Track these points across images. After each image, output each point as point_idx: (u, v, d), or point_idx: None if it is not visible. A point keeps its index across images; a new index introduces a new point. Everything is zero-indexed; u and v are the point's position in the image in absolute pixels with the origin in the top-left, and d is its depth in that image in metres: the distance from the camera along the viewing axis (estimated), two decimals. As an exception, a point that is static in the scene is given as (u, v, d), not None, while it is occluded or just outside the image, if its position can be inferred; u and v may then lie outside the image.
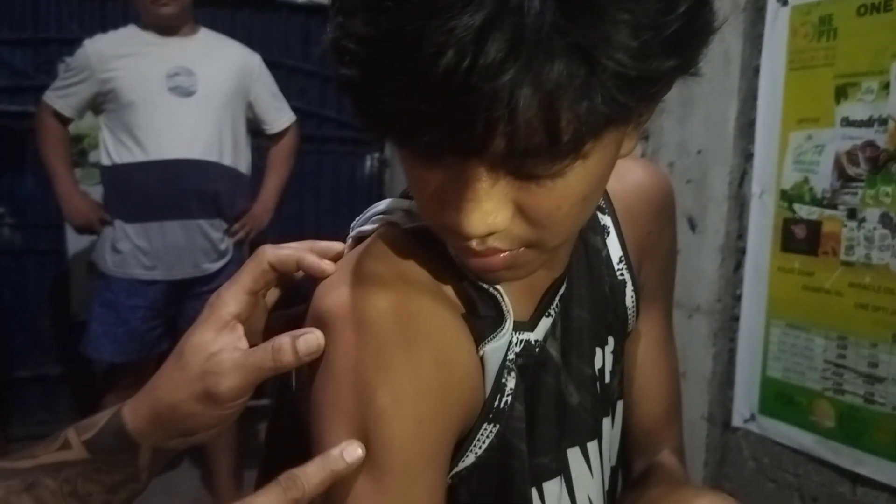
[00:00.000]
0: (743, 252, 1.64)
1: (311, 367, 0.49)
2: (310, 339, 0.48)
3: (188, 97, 2.00)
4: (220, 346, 0.51)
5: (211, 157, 2.04)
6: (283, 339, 0.49)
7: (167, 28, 2.02)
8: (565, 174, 0.41)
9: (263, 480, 0.63)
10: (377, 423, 0.44)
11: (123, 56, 1.98)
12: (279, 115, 2.27)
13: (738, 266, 1.66)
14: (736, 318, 1.66)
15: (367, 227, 0.56)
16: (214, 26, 2.72)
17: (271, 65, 2.95)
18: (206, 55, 2.06)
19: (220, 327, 0.52)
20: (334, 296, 0.48)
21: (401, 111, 0.37)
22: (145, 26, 2.03)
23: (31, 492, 0.51)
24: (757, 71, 1.58)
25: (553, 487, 0.57)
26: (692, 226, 1.72)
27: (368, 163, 3.29)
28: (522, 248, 0.46)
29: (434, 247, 0.53)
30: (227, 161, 2.09)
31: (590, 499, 0.60)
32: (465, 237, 0.43)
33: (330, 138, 3.18)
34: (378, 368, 0.45)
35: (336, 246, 0.56)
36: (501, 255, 0.45)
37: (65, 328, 2.77)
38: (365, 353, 0.45)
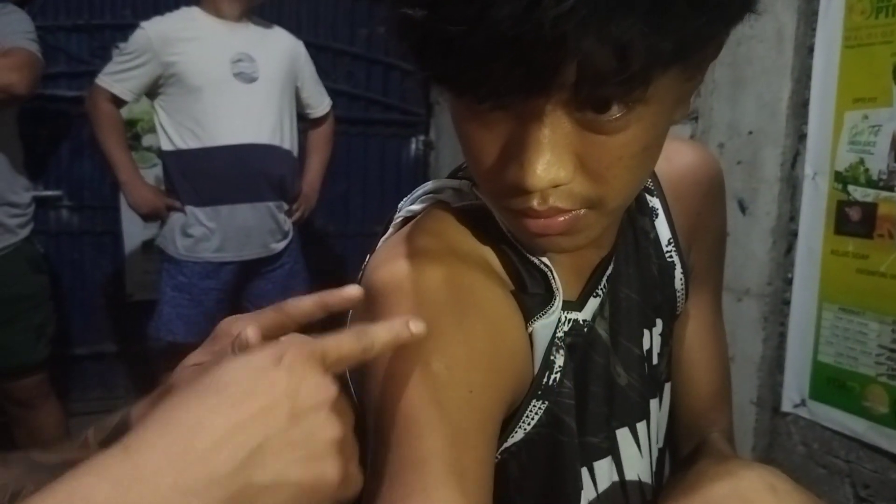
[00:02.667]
0: (795, 235, 1.61)
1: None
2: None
3: (252, 83, 2.03)
4: (196, 363, 0.50)
5: (275, 141, 2.08)
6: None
7: (235, 13, 2.04)
8: (629, 121, 0.41)
9: None
10: (431, 393, 0.45)
11: (188, 40, 1.98)
12: (322, 100, 2.33)
13: (790, 249, 1.63)
14: (787, 302, 1.63)
15: (416, 207, 0.57)
16: (263, 11, 2.76)
17: (318, 48, 2.99)
18: (261, 42, 2.09)
19: (212, 355, 0.50)
20: (387, 269, 0.49)
21: (469, 47, 0.37)
22: (208, 11, 2.04)
23: None
24: (811, 49, 1.54)
25: (604, 467, 0.58)
26: (742, 208, 1.69)
27: (414, 145, 3.30)
28: (583, 210, 0.45)
29: (484, 224, 0.54)
30: (286, 145, 2.14)
31: (640, 479, 0.60)
32: (528, 190, 0.43)
33: (376, 121, 3.19)
34: (431, 337, 0.45)
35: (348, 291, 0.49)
36: (561, 217, 0.45)
37: (120, 307, 2.85)
38: (412, 331, 0.46)
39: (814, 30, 1.54)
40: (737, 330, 1.70)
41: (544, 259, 0.54)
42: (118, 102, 1.99)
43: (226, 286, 2.12)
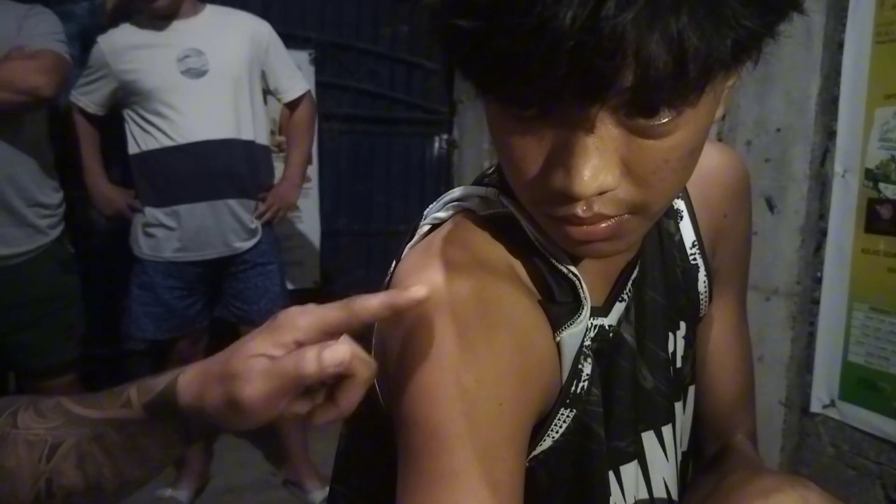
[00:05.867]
0: (824, 233, 1.59)
1: (392, 351, 0.50)
2: (337, 349, 0.45)
3: (201, 77, 2.01)
4: (260, 353, 0.48)
5: (230, 134, 2.05)
6: (311, 349, 0.46)
7: (167, 14, 2.02)
8: (676, 127, 0.41)
9: (343, 466, 0.65)
10: (461, 405, 0.45)
11: (135, 47, 2.00)
12: (292, 84, 2.24)
13: (819, 248, 1.61)
14: (816, 301, 1.61)
15: (442, 214, 0.57)
16: (284, 9, 2.77)
17: (341, 47, 3.00)
18: (212, 33, 2.06)
19: (274, 343, 0.48)
20: (414, 282, 0.49)
21: (523, 59, 0.37)
22: (145, 16, 2.04)
23: (98, 442, 0.55)
24: (841, 45, 1.52)
25: (630, 471, 0.58)
26: (770, 206, 1.67)
27: (437, 144, 3.30)
28: (626, 216, 0.45)
29: (510, 233, 0.54)
30: (246, 136, 2.10)
31: (665, 482, 0.60)
32: (574, 197, 0.42)
33: (399, 120, 3.20)
34: (461, 351, 0.45)
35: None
36: (605, 224, 0.45)
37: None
38: (447, 337, 0.46)
39: (843, 25, 1.52)
40: (765, 329, 1.68)
41: (572, 268, 0.53)
42: (88, 116, 2.08)
43: (190, 285, 2.13)
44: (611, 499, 0.55)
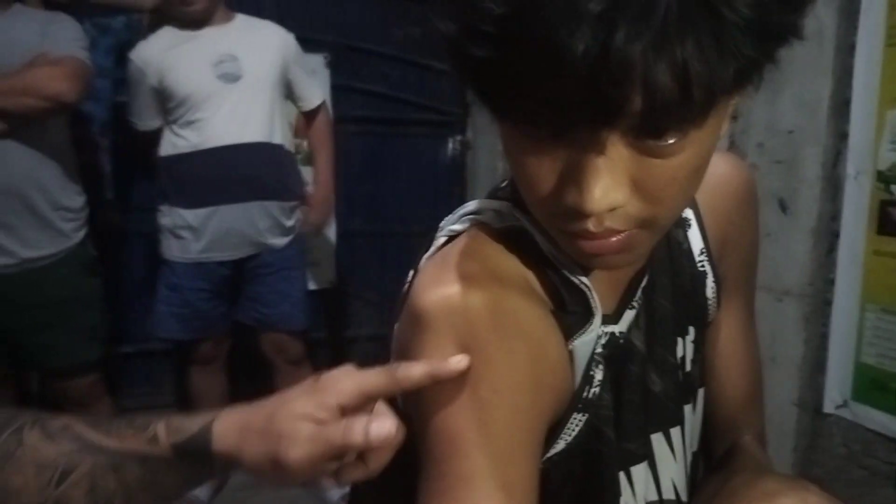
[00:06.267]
0: (836, 235, 1.60)
1: (412, 360, 0.52)
2: (383, 426, 0.49)
3: (235, 82, 2.06)
4: (308, 413, 0.50)
5: (263, 137, 2.10)
6: (357, 423, 0.49)
7: (200, 22, 2.07)
8: (682, 148, 0.43)
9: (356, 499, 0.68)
10: (476, 413, 0.48)
11: (171, 57, 2.05)
12: (312, 93, 2.30)
13: (831, 249, 1.61)
14: (828, 303, 1.62)
15: (458, 227, 0.59)
16: (299, 13, 2.80)
17: (352, 50, 3.03)
18: (246, 39, 2.11)
19: (318, 406, 0.51)
20: (434, 294, 0.52)
21: (537, 86, 0.40)
22: (180, 25, 2.09)
23: (116, 473, 0.56)
24: (852, 48, 1.53)
25: (640, 472, 0.60)
26: (783, 207, 1.68)
27: (450, 145, 3.32)
28: (636, 230, 0.47)
29: (524, 245, 0.56)
30: (276, 140, 2.14)
31: (674, 483, 0.62)
32: (586, 214, 0.44)
33: (412, 121, 3.22)
34: (478, 363, 0.48)
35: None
36: (615, 238, 0.47)
37: (166, 306, 2.95)
38: (463, 349, 0.49)
39: (855, 28, 1.53)
40: (777, 331, 1.69)
41: (583, 279, 0.56)
42: (152, 133, 2.15)
43: (216, 287, 2.17)
44: (621, 499, 0.57)
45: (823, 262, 1.62)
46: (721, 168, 0.67)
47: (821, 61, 1.57)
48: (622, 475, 0.59)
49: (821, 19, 1.56)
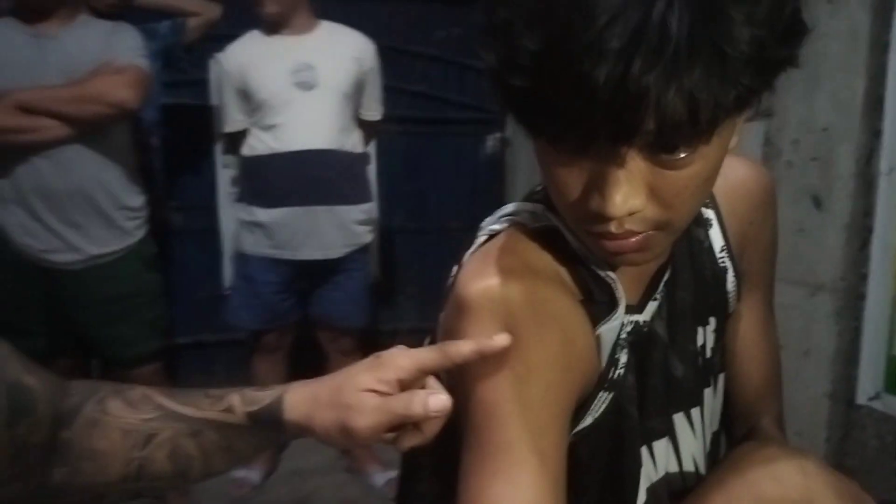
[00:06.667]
0: (870, 230, 1.62)
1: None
2: (440, 398, 0.57)
3: (310, 90, 2.17)
4: (370, 388, 0.58)
5: (333, 145, 2.21)
6: (419, 394, 0.57)
7: (278, 25, 2.18)
8: (693, 161, 0.49)
9: (409, 458, 0.75)
10: (512, 389, 0.54)
11: (252, 61, 2.18)
12: (376, 107, 2.40)
13: (864, 244, 1.64)
14: (861, 297, 1.65)
15: (497, 227, 0.66)
16: (342, 16, 2.88)
17: (394, 51, 3.11)
18: (324, 49, 2.21)
19: (380, 380, 0.59)
20: (477, 285, 0.59)
21: (565, 110, 0.47)
22: (265, 29, 2.21)
23: (195, 438, 0.63)
24: (886, 46, 1.55)
25: (661, 446, 0.66)
26: (817, 204, 1.71)
27: (490, 143, 3.39)
28: (653, 231, 0.54)
29: (556, 243, 0.63)
30: (347, 147, 2.26)
31: (694, 458, 0.68)
32: (608, 218, 0.51)
33: (452, 120, 3.30)
34: (514, 344, 0.55)
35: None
36: (634, 238, 0.53)
37: (218, 299, 3.06)
38: (502, 332, 0.56)
39: (889, 26, 1.55)
40: (811, 324, 1.73)
41: (609, 273, 0.62)
42: (241, 135, 2.27)
43: (284, 281, 2.28)
44: (642, 470, 0.64)
45: (857, 258, 1.65)
46: (741, 173, 0.73)
47: (855, 60, 1.60)
48: (644, 449, 0.65)
49: (854, 18, 1.59)
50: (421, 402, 0.57)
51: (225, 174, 3.01)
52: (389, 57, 3.09)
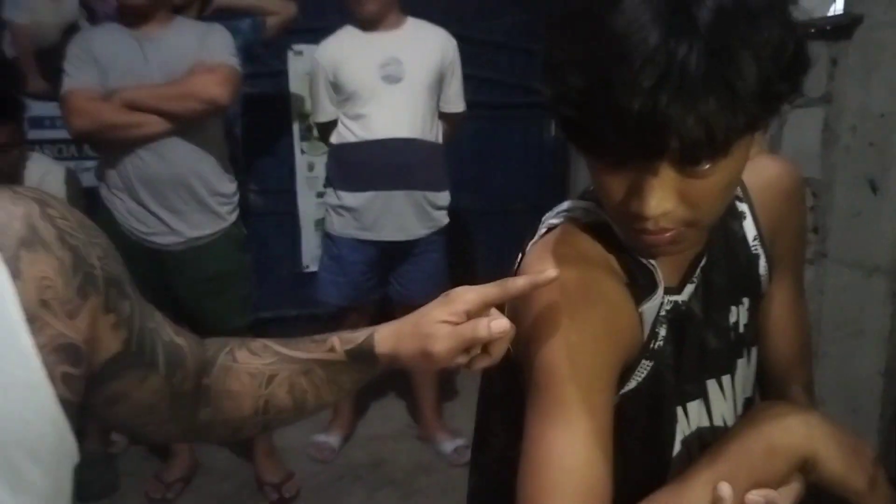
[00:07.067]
0: (925, 214, 1.67)
1: (521, 316, 0.72)
2: (501, 322, 0.68)
3: (397, 83, 2.32)
4: (444, 320, 0.71)
5: (415, 134, 2.36)
6: (483, 320, 0.68)
7: (374, 23, 2.34)
8: (714, 171, 0.61)
9: (485, 402, 0.89)
10: (568, 357, 0.67)
11: (344, 55, 2.35)
12: (457, 101, 2.53)
13: (920, 228, 1.69)
14: (916, 279, 1.69)
15: (555, 221, 0.78)
16: (415, 6, 3.00)
17: (462, 39, 3.20)
18: (410, 44, 2.36)
19: (450, 313, 0.70)
20: (538, 270, 0.71)
21: (606, 134, 0.58)
22: (357, 25, 2.38)
23: (306, 375, 0.76)
24: (943, 34, 1.59)
25: (694, 407, 0.78)
26: (873, 188, 1.76)
27: (554, 127, 3.47)
28: (683, 228, 0.65)
29: (605, 235, 0.74)
30: (429, 137, 2.41)
31: (723, 417, 0.80)
32: (645, 218, 0.62)
33: (517, 104, 3.39)
34: (568, 318, 0.67)
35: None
36: (668, 234, 0.65)
37: (297, 276, 3.28)
38: (559, 308, 0.68)
39: (947, 14, 1.58)
40: (866, 305, 1.78)
41: (650, 260, 0.74)
42: (332, 124, 2.44)
43: (369, 261, 2.46)
44: (677, 426, 0.76)
45: (912, 240, 1.70)
46: (772, 170, 0.83)
47: (913, 47, 1.64)
48: (679, 409, 0.77)
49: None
50: (485, 326, 0.68)
51: (303, 160, 3.20)
52: (458, 44, 3.21)
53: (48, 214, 0.56)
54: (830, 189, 1.92)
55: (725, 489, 0.60)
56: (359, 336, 0.77)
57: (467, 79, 3.24)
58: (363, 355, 0.76)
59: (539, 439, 0.66)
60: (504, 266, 0.83)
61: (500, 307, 0.73)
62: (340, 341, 0.77)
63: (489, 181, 3.44)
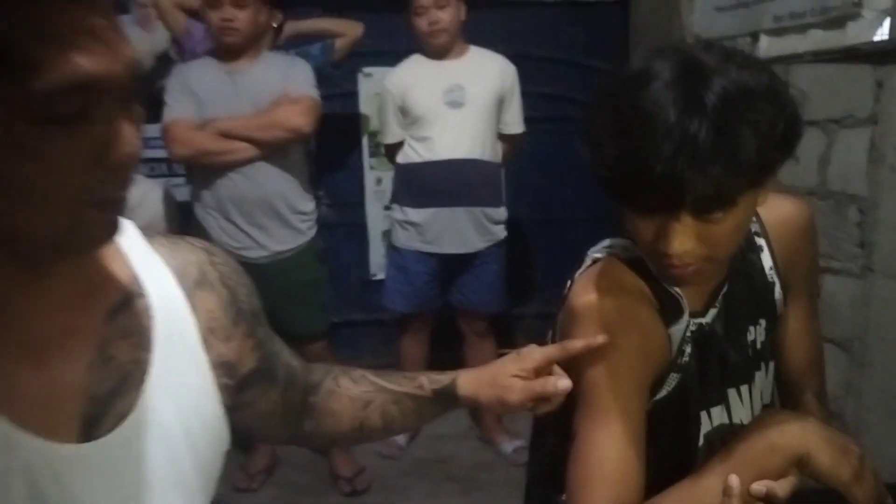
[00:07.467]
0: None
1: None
2: (564, 382, 0.86)
3: (460, 108, 2.52)
4: (516, 374, 0.88)
5: (476, 155, 2.55)
6: (551, 379, 0.86)
7: (441, 54, 2.55)
8: (726, 218, 0.76)
9: (538, 420, 1.05)
10: (608, 372, 0.83)
11: (412, 82, 2.55)
12: (516, 122, 2.71)
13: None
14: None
15: (598, 255, 0.94)
16: (477, 26, 3.15)
17: (524, 56, 3.34)
18: (473, 72, 2.55)
19: (522, 370, 0.88)
20: (581, 299, 0.87)
21: (636, 191, 0.75)
22: (425, 53, 2.58)
23: (398, 405, 0.93)
24: None
25: (717, 411, 0.93)
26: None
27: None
28: (702, 263, 0.80)
29: (640, 269, 0.89)
30: (488, 157, 2.60)
31: (741, 420, 0.94)
32: (670, 256, 0.78)
33: (576, 118, 3.49)
34: (608, 342, 0.83)
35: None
36: (690, 268, 0.80)
37: (365, 284, 3.48)
38: (601, 333, 0.84)
39: None
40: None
41: (677, 289, 0.89)
42: (398, 145, 2.64)
43: (432, 271, 2.65)
44: (701, 427, 0.91)
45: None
46: (787, 209, 0.97)
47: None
48: (703, 413, 0.92)
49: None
50: (553, 384, 0.86)
51: (372, 175, 3.41)
52: (517, 61, 3.34)
53: (213, 261, 0.76)
54: (876, 205, 2.00)
55: (734, 480, 0.74)
56: (444, 378, 0.93)
57: (528, 95, 3.38)
58: (447, 395, 0.93)
59: (585, 437, 0.83)
60: (563, 274, 0.99)
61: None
62: (428, 381, 0.93)
63: (549, 192, 3.57)
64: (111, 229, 0.60)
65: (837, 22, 2.07)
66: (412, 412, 0.94)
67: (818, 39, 2.17)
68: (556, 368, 0.89)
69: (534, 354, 0.89)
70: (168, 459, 0.67)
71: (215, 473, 0.74)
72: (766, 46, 2.44)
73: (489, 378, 0.91)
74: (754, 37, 2.48)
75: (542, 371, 0.88)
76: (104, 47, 0.53)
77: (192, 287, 0.72)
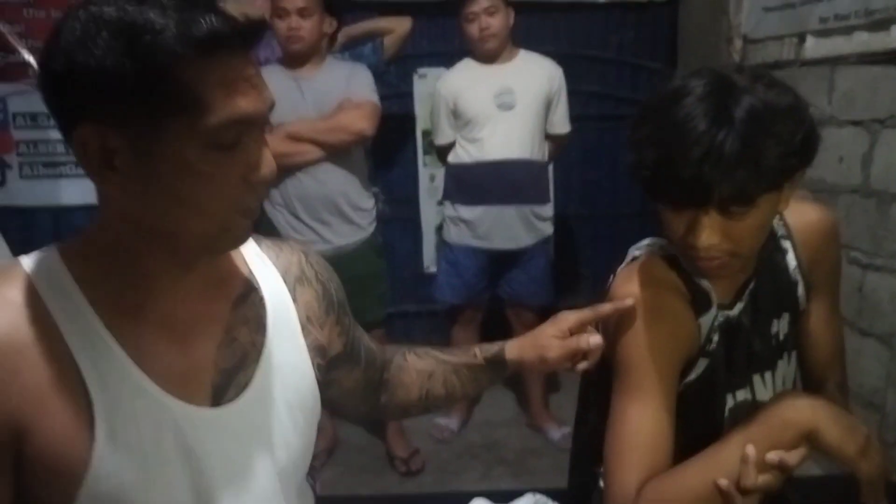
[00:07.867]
0: None
1: (609, 326, 1.00)
2: (595, 338, 0.99)
3: (510, 110, 2.64)
4: (554, 334, 1.02)
5: (524, 155, 2.67)
6: (584, 336, 1.00)
7: (491, 58, 2.67)
8: (748, 216, 0.87)
9: (585, 392, 1.18)
10: (644, 355, 0.94)
11: (463, 85, 2.68)
12: (563, 123, 2.80)
13: None
14: None
15: (637, 253, 1.06)
16: (530, 28, 3.25)
17: (574, 57, 3.44)
18: (522, 75, 2.67)
19: (559, 331, 1.01)
20: (621, 290, 0.99)
21: (670, 190, 0.86)
22: (475, 58, 2.71)
23: (456, 374, 1.06)
24: None
25: (741, 394, 1.04)
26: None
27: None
28: (727, 257, 0.91)
29: (675, 264, 1.01)
30: (536, 157, 2.71)
31: (764, 402, 1.05)
32: (698, 249, 0.89)
33: (624, 116, 3.58)
34: (644, 326, 0.95)
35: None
36: (716, 261, 0.91)
37: (418, 276, 3.64)
38: (637, 319, 0.96)
39: None
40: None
41: (706, 282, 1.01)
42: (449, 146, 2.78)
43: (482, 266, 2.79)
44: (727, 407, 1.02)
45: None
46: (812, 215, 1.07)
47: None
48: (729, 395, 1.03)
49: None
50: (586, 340, 1.00)
51: (425, 172, 3.55)
52: (568, 61, 3.41)
53: (309, 261, 0.91)
54: (918, 204, 2.06)
55: (751, 449, 0.85)
56: (493, 347, 1.07)
57: (579, 94, 3.47)
58: (497, 362, 1.06)
59: (621, 411, 0.95)
60: (608, 268, 1.11)
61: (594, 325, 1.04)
62: (480, 350, 1.08)
63: (597, 188, 3.67)
64: (248, 233, 0.75)
65: (882, 24, 2.13)
66: (469, 380, 1.08)
67: (863, 41, 2.23)
68: (591, 329, 1.02)
69: (569, 317, 1.02)
70: (276, 424, 0.82)
71: (312, 439, 0.89)
72: (812, 47, 2.50)
73: (531, 341, 1.04)
74: (801, 38, 2.54)
75: (577, 332, 1.02)
76: (255, 91, 0.69)
77: (294, 282, 0.88)
